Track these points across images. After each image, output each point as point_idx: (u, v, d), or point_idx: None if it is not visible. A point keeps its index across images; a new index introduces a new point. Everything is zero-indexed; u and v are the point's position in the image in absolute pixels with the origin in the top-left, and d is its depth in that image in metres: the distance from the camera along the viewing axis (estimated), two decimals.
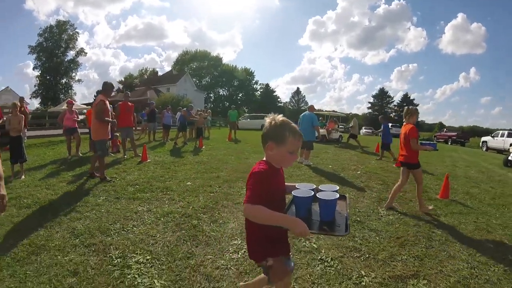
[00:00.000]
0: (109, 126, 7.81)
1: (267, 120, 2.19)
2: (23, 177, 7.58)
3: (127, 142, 11.44)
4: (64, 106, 29.30)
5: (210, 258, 3.78)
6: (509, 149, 17.72)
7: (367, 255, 4.11)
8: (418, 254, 4.29)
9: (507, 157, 15.79)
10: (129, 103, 11.34)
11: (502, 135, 26.30)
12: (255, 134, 24.73)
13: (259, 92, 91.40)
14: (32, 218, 4.97)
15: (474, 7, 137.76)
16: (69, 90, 65.62)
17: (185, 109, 17.52)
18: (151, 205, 5.65)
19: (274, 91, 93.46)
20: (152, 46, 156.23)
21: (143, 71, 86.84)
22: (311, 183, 2.47)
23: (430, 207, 6.26)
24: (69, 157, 10.73)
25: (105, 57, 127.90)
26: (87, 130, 11.79)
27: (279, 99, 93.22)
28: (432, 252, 4.40)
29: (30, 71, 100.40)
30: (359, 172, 9.96)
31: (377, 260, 4.02)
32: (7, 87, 51.97)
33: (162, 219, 4.98)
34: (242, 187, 7.10)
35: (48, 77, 62.13)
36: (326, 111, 46.86)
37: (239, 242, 4.24)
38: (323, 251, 4.13)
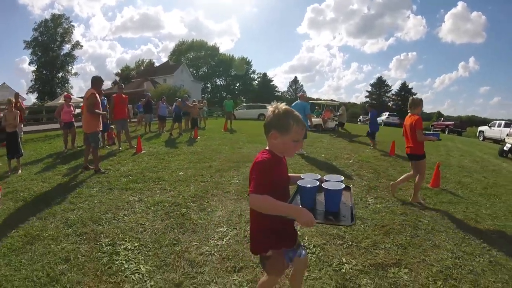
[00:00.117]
0: (101, 118, 7.95)
1: (270, 108, 2.20)
2: (20, 171, 7.72)
3: (122, 134, 11.49)
4: (61, 100, 29.44)
5: (195, 244, 3.93)
6: (504, 139, 17.78)
7: (350, 243, 4.20)
8: (402, 242, 4.36)
9: (503, 147, 15.78)
10: (123, 95, 11.41)
11: (499, 125, 26.27)
12: (251, 124, 24.85)
13: (257, 82, 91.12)
14: (28, 210, 5.12)
15: None
16: (66, 84, 65.60)
17: (180, 99, 17.58)
18: (142, 195, 5.80)
19: (272, 81, 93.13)
20: (148, 37, 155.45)
21: (140, 62, 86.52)
22: (315, 174, 2.47)
23: (422, 201, 6.25)
24: (65, 150, 10.86)
25: (102, 49, 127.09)
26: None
27: (276, 89, 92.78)
28: (417, 241, 4.47)
29: (26, 66, 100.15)
30: (351, 161, 10.05)
31: (359, 247, 4.10)
32: (4, 83, 51.72)
33: (152, 208, 5.14)
34: (233, 176, 7.32)
35: (44, 72, 61.95)
36: (324, 100, 46.87)
37: (225, 229, 4.40)
38: (306, 238, 4.24)
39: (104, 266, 3.38)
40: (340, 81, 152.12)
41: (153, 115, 18.42)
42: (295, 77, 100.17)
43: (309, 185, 2.22)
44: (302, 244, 2.52)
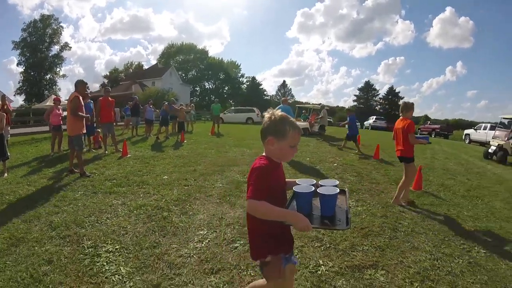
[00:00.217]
0: (85, 121, 8.04)
1: (266, 115, 2.24)
2: (5, 174, 7.71)
3: (108, 138, 11.53)
4: (48, 103, 29.38)
5: (175, 247, 4.04)
6: (489, 141, 18.10)
7: (328, 245, 4.25)
8: (380, 244, 4.41)
9: (488, 150, 16.01)
10: (109, 98, 11.47)
11: (485, 128, 26.64)
12: (239, 128, 25.06)
13: (246, 86, 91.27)
14: (13, 213, 5.17)
15: (463, 1, 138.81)
16: (54, 86, 65.06)
17: (166, 103, 17.58)
18: (126, 199, 5.90)
19: (261, 84, 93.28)
20: (138, 39, 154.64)
21: (129, 65, 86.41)
22: (311, 179, 2.50)
23: (404, 203, 6.34)
24: (51, 153, 10.89)
25: (91, 51, 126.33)
26: None
27: (265, 92, 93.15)
28: (395, 243, 4.52)
29: (14, 67, 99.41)
30: (335, 164, 10.18)
31: (337, 250, 4.16)
32: None
33: (134, 211, 5.24)
34: (217, 180, 7.43)
35: (32, 73, 61.49)
36: (312, 104, 47.12)
37: (205, 232, 4.51)
38: None
39: (85, 268, 3.48)
40: (329, 85, 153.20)
41: (140, 119, 18.47)
42: (284, 81, 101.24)
43: (305, 191, 2.25)
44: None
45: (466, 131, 31.98)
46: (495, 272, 3.86)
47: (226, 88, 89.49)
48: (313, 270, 3.62)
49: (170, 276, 3.39)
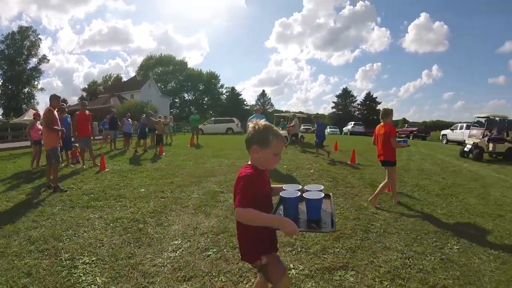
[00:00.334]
0: (61, 134, 8.12)
1: (250, 125, 2.32)
2: None
3: (86, 153, 11.57)
4: (26, 117, 29.18)
5: (150, 257, 4.17)
6: (464, 140, 18.59)
7: (299, 249, 4.35)
8: (351, 246, 4.50)
9: (464, 148, 16.43)
10: (86, 112, 11.50)
11: (461, 128, 27.49)
12: (218, 139, 25.20)
13: (225, 96, 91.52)
14: None
15: (437, 6, 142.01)
16: (32, 100, 64.04)
17: (144, 116, 17.66)
18: (103, 212, 6.00)
19: (240, 94, 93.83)
20: (117, 50, 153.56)
21: (107, 77, 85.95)
22: (297, 184, 2.58)
23: (377, 205, 6.55)
24: (31, 168, 10.97)
25: (69, 63, 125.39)
26: None
27: (245, 102, 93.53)
28: (367, 244, 4.62)
29: None
30: (312, 171, 10.41)
31: (308, 253, 4.25)
32: None
33: (111, 224, 5.35)
34: (193, 191, 7.57)
35: (10, 87, 60.67)
36: (293, 112, 47.51)
37: (179, 242, 4.64)
38: None
39: (63, 279, 3.61)
40: (308, 93, 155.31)
41: (118, 132, 18.40)
42: (263, 91, 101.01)
43: (291, 196, 2.31)
44: None
45: (443, 132, 32.88)
46: (468, 267, 3.96)
47: (205, 99, 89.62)
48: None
49: (144, 284, 3.51)
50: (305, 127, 49.57)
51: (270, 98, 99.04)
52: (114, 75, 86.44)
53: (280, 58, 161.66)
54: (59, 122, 8.17)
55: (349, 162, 12.26)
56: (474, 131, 17.69)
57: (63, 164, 11.28)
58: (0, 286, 3.49)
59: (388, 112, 6.79)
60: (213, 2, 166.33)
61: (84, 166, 11.12)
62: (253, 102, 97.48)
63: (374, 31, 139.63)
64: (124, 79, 77.88)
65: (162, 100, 64.85)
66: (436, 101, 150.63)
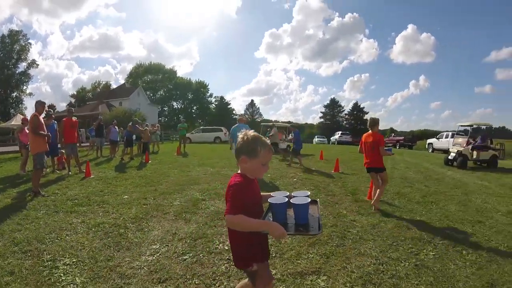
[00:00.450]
0: (47, 139, 8.28)
1: (240, 136, 2.38)
2: None
3: (72, 159, 11.65)
4: (13, 122, 29.12)
5: (128, 260, 4.32)
6: (448, 149, 18.93)
7: (273, 255, 4.39)
8: (325, 252, 4.58)
9: (448, 157, 16.76)
10: (73, 119, 11.64)
11: (447, 136, 28.04)
12: (205, 148, 25.26)
13: (214, 105, 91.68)
14: None
15: (425, 18, 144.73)
16: (20, 105, 63.75)
17: (130, 124, 17.73)
18: (85, 217, 6.12)
19: (229, 104, 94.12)
20: (107, 58, 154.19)
21: (96, 84, 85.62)
22: (285, 191, 2.69)
23: (379, 208, 6.94)
24: (21, 172, 11.11)
25: (58, 69, 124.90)
26: None
27: (234, 111, 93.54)
28: (341, 250, 4.69)
29: None
30: (295, 179, 10.60)
31: (282, 258, 4.34)
32: None
33: (93, 229, 5.48)
34: (176, 198, 7.69)
35: None
36: (282, 121, 47.86)
37: (157, 247, 4.79)
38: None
39: (44, 278, 3.78)
40: (297, 103, 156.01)
41: (104, 139, 18.44)
42: (252, 100, 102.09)
43: (279, 202, 2.39)
44: None
45: (429, 141, 33.61)
46: (442, 273, 4.03)
47: (194, 108, 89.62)
48: None
49: (120, 285, 3.67)
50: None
51: (258, 107, 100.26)
52: (104, 82, 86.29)
53: (269, 68, 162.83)
54: (44, 128, 8.34)
55: (333, 171, 12.44)
56: (459, 140, 18.01)
57: (49, 170, 11.42)
58: None
59: (376, 121, 7.17)
60: (203, 12, 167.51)
61: (70, 173, 11.20)
62: (242, 112, 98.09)
63: (363, 43, 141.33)
64: (114, 86, 77.74)
65: (150, 108, 64.77)
66: (423, 110, 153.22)
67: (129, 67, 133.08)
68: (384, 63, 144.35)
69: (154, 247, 4.82)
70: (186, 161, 15.95)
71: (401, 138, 42.16)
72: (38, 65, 66.82)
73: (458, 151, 16.17)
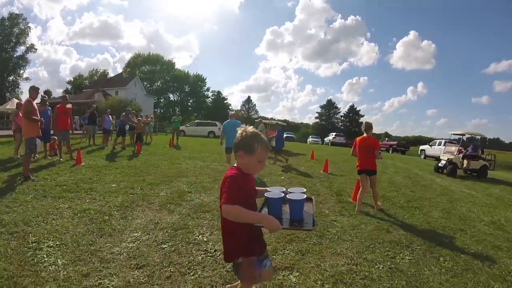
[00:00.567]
0: (40, 125, 8.48)
1: (239, 131, 2.42)
2: None
3: (64, 146, 11.77)
4: (9, 106, 29.16)
5: (109, 245, 4.50)
6: (439, 156, 19.14)
7: None
8: (301, 249, 4.67)
9: (438, 164, 17.00)
10: (67, 106, 11.79)
11: (439, 144, 28.37)
12: (198, 141, 25.45)
13: (211, 99, 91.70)
14: None
15: (426, 26, 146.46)
16: (16, 89, 63.56)
17: (123, 113, 17.76)
18: (72, 203, 6.28)
19: (226, 99, 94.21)
20: (106, 46, 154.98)
21: (94, 72, 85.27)
22: (281, 187, 2.76)
23: (381, 206, 7.42)
24: (15, 156, 11.26)
25: (57, 54, 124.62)
26: None
27: (230, 107, 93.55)
28: (318, 248, 4.78)
29: None
30: (283, 177, 10.83)
31: None
32: None
33: (78, 214, 5.65)
34: (162, 189, 7.87)
35: None
36: (278, 119, 48.04)
37: (139, 235, 4.96)
38: (210, 244, 4.70)
39: (27, 258, 3.96)
40: (295, 102, 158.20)
41: (97, 127, 18.54)
42: (248, 97, 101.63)
43: (275, 197, 2.46)
44: (268, 256, 2.80)
45: (421, 147, 34.02)
46: (415, 278, 4.09)
47: (191, 101, 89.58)
48: (229, 270, 3.87)
49: (99, 268, 3.84)
50: (288, 135, 49.83)
51: (255, 104, 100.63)
52: (101, 70, 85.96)
53: (269, 65, 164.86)
54: (38, 113, 8.51)
55: (321, 171, 12.64)
56: (452, 148, 18.23)
57: (40, 156, 11.60)
58: None
59: (371, 126, 7.41)
60: (206, 5, 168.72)
61: (61, 159, 11.31)
62: (239, 107, 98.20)
63: (363, 46, 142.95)
64: (111, 75, 77.45)
65: (146, 99, 64.63)
66: (419, 117, 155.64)
67: (128, 56, 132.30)
68: (384, 68, 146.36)
69: (135, 234, 4.98)
70: (177, 153, 16.15)
71: (395, 142, 42.41)
72: (36, 49, 66.88)
73: (448, 159, 16.42)
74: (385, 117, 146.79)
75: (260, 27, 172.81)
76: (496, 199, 10.37)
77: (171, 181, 8.83)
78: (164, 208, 6.41)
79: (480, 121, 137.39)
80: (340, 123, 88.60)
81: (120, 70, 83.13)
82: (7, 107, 29.80)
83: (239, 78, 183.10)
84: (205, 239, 4.91)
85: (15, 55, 62.49)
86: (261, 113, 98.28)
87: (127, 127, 18.14)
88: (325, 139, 53.47)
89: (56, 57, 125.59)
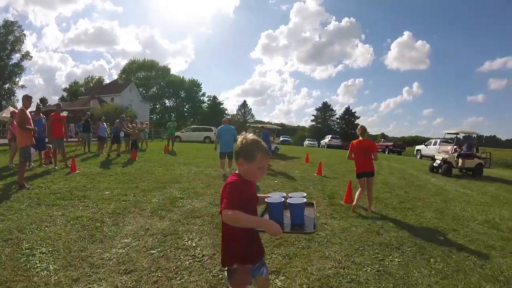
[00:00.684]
0: (33, 133, 8.60)
1: (240, 138, 2.42)
2: None
3: (59, 154, 11.85)
4: (4, 114, 29.17)
5: (99, 251, 4.63)
6: (434, 155, 19.26)
7: None
8: (289, 253, 4.71)
9: (433, 164, 17.07)
10: (61, 114, 11.91)
11: (435, 144, 28.29)
12: (194, 147, 25.53)
13: (206, 105, 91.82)
14: None
15: (420, 26, 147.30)
16: (12, 97, 63.12)
17: (118, 120, 17.78)
18: (66, 211, 6.41)
19: (222, 104, 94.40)
20: (101, 52, 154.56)
21: (89, 78, 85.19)
22: (281, 192, 2.74)
23: (374, 210, 7.42)
24: (10, 164, 11.30)
25: (52, 61, 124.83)
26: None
27: (226, 111, 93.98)
28: (306, 252, 4.78)
29: None
30: (276, 181, 10.88)
31: None
32: None
33: (71, 221, 5.78)
34: (155, 195, 7.98)
35: None
36: (274, 123, 48.22)
37: (129, 241, 5.08)
38: (198, 249, 4.79)
39: (21, 264, 4.11)
40: (291, 105, 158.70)
41: (91, 135, 18.56)
42: (244, 101, 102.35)
43: (276, 202, 2.48)
44: (265, 263, 2.72)
45: (417, 147, 34.09)
46: (404, 280, 4.07)
47: (186, 107, 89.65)
48: (216, 275, 4.02)
49: (89, 273, 3.97)
50: (284, 138, 49.98)
51: (251, 108, 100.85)
52: (97, 77, 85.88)
53: (264, 69, 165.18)
54: (31, 122, 8.65)
55: (315, 174, 12.73)
56: (447, 147, 18.31)
57: (36, 164, 11.73)
58: None
59: (365, 129, 7.61)
60: (201, 10, 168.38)
61: (56, 167, 11.41)
62: (235, 112, 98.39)
63: (358, 47, 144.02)
64: (107, 81, 77.38)
65: (142, 105, 64.80)
66: (415, 117, 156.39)
67: (123, 62, 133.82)
68: (379, 69, 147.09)
69: (125, 240, 5.11)
70: (172, 159, 16.22)
71: (390, 143, 42.43)
72: (31, 57, 66.36)
73: (443, 158, 16.52)
74: (381, 118, 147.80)
75: (255, 31, 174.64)
76: (491, 197, 10.48)
77: (164, 188, 8.93)
78: (156, 214, 6.51)
79: (477, 119, 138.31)
80: (336, 125, 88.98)
81: (115, 77, 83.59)
82: (3, 115, 29.75)
83: (235, 82, 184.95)
84: (193, 245, 5.00)
85: (10, 63, 62.24)
86: (258, 117, 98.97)
87: (122, 134, 18.16)
88: (321, 141, 53.57)
89: (51, 64, 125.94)
